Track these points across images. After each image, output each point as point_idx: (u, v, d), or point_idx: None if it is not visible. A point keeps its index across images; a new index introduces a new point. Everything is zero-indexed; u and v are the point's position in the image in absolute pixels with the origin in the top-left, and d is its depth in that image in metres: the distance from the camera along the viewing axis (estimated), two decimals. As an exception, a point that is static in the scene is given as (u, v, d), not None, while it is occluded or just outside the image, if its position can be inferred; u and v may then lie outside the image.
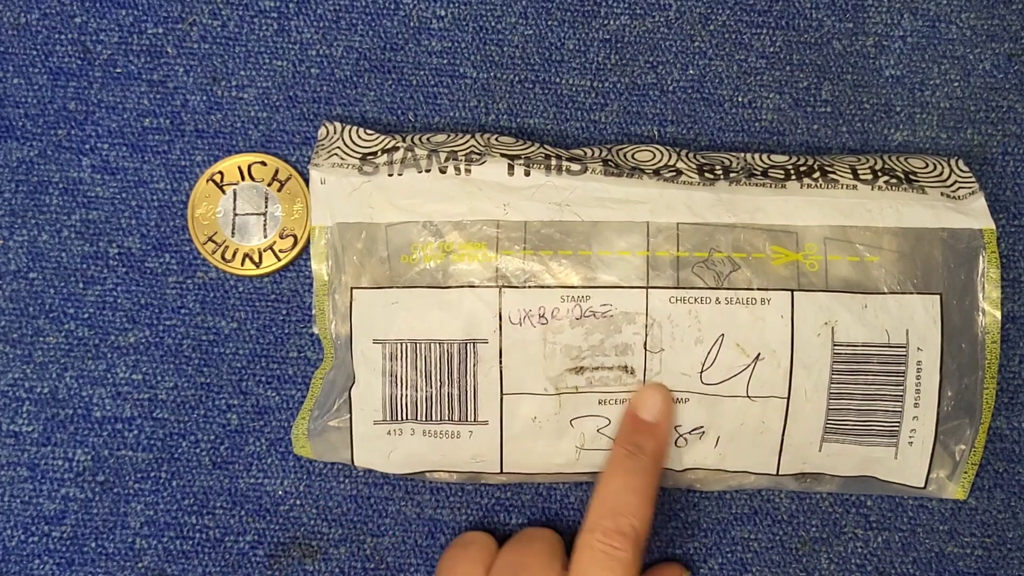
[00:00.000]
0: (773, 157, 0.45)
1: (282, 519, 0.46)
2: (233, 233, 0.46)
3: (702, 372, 0.42)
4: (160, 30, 0.47)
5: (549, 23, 0.48)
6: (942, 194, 0.44)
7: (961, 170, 0.45)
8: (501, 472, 0.44)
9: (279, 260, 0.46)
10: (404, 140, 0.44)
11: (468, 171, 0.42)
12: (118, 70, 0.47)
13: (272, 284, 0.47)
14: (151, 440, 0.46)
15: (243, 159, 0.46)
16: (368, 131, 0.44)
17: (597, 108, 0.48)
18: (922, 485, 0.44)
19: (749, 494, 0.47)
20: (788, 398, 0.42)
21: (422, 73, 0.47)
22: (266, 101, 0.47)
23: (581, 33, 0.48)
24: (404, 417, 0.43)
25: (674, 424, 0.43)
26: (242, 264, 0.46)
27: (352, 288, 0.42)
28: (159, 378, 0.46)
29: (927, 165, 0.45)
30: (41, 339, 0.46)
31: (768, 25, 0.48)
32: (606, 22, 0.48)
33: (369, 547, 0.46)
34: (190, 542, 0.46)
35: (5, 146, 0.47)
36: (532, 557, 0.42)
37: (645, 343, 0.42)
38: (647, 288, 0.42)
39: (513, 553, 0.42)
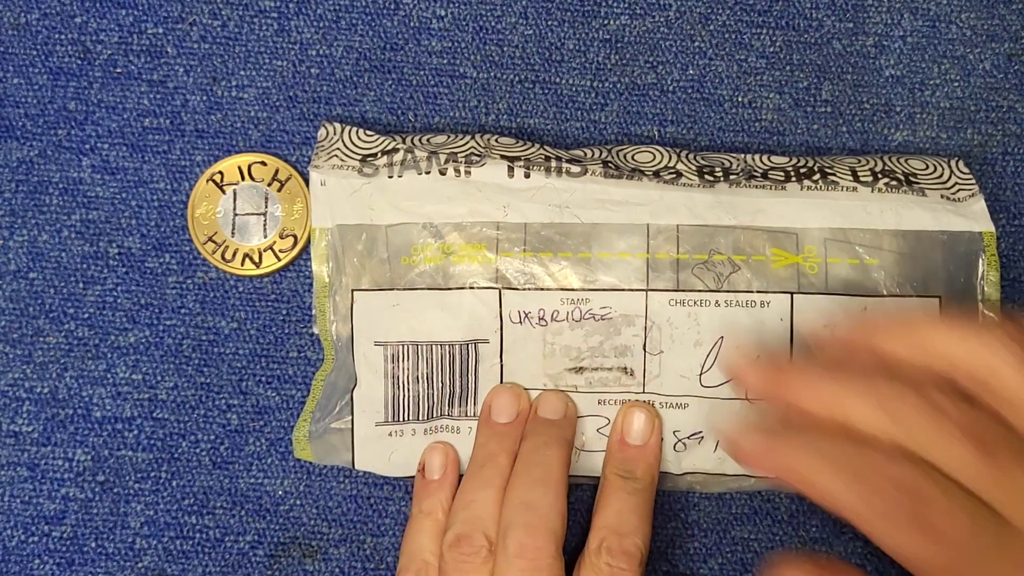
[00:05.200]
0: (773, 159, 0.45)
1: (282, 519, 0.46)
2: (233, 233, 0.46)
3: (701, 374, 0.42)
4: (160, 30, 0.47)
5: (549, 23, 0.47)
6: (942, 196, 0.43)
7: (961, 171, 0.45)
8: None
9: (279, 260, 0.46)
10: (404, 141, 0.44)
11: (468, 173, 0.42)
12: (118, 70, 0.47)
13: (272, 284, 0.47)
14: (151, 440, 0.46)
15: (243, 159, 0.46)
16: (368, 132, 0.44)
17: (597, 108, 0.48)
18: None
19: (749, 494, 0.47)
20: (787, 400, 0.43)
21: (422, 73, 0.47)
22: (266, 101, 0.47)
23: (581, 33, 0.47)
24: (406, 418, 0.43)
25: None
26: (242, 264, 0.46)
27: (353, 290, 0.42)
28: (159, 378, 0.46)
29: (927, 167, 0.45)
30: (41, 339, 0.46)
31: (768, 25, 0.48)
32: (606, 22, 0.48)
33: (369, 547, 0.46)
34: (190, 542, 0.46)
35: (5, 146, 0.47)
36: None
37: (644, 345, 0.42)
38: (647, 290, 0.42)
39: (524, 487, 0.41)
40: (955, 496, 0.30)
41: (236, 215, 0.46)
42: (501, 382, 0.43)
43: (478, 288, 0.42)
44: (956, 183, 0.44)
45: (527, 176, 0.42)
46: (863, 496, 0.31)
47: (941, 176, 0.44)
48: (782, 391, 0.34)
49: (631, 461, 0.43)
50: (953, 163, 0.45)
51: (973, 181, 0.44)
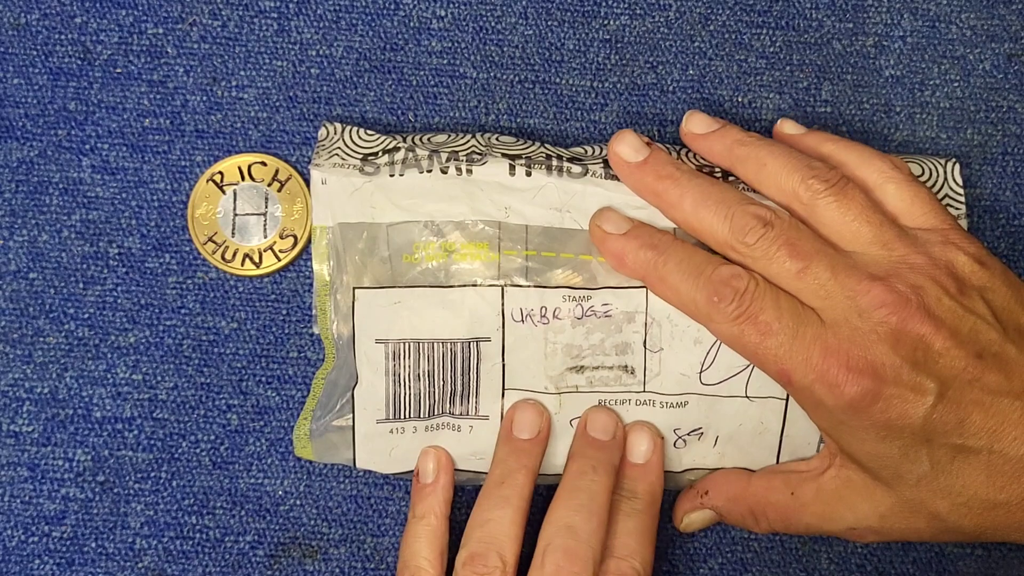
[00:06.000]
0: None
1: (282, 519, 0.46)
2: (233, 233, 0.46)
3: (701, 372, 0.42)
4: (160, 30, 0.47)
5: (549, 23, 0.48)
6: None
7: (955, 184, 0.44)
8: (501, 472, 0.44)
9: (279, 260, 0.46)
10: (405, 140, 0.44)
11: (469, 171, 0.42)
12: (118, 70, 0.47)
13: (272, 284, 0.47)
14: (151, 440, 0.46)
15: (243, 159, 0.46)
16: (368, 131, 0.44)
17: (597, 108, 0.48)
18: (921, 485, 0.44)
19: (749, 494, 0.47)
20: (787, 399, 0.42)
21: (422, 73, 0.47)
22: (266, 101, 0.47)
23: (581, 33, 0.48)
24: (407, 415, 0.43)
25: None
26: (242, 264, 0.46)
27: (354, 288, 0.42)
28: (159, 378, 0.46)
29: (923, 172, 0.44)
30: (41, 339, 0.46)
31: (768, 25, 0.48)
32: (606, 22, 0.48)
33: (369, 547, 0.46)
34: (190, 542, 0.46)
35: (5, 146, 0.47)
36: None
37: (645, 342, 0.42)
38: (647, 288, 0.42)
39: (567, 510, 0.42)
40: (766, 291, 0.39)
41: (236, 215, 0.46)
42: (503, 382, 0.43)
43: (480, 286, 0.42)
44: (947, 197, 0.44)
45: (528, 175, 0.42)
46: (698, 288, 0.39)
47: (935, 185, 0.44)
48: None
49: (632, 480, 0.43)
50: (950, 169, 0.44)
51: (963, 199, 0.44)
